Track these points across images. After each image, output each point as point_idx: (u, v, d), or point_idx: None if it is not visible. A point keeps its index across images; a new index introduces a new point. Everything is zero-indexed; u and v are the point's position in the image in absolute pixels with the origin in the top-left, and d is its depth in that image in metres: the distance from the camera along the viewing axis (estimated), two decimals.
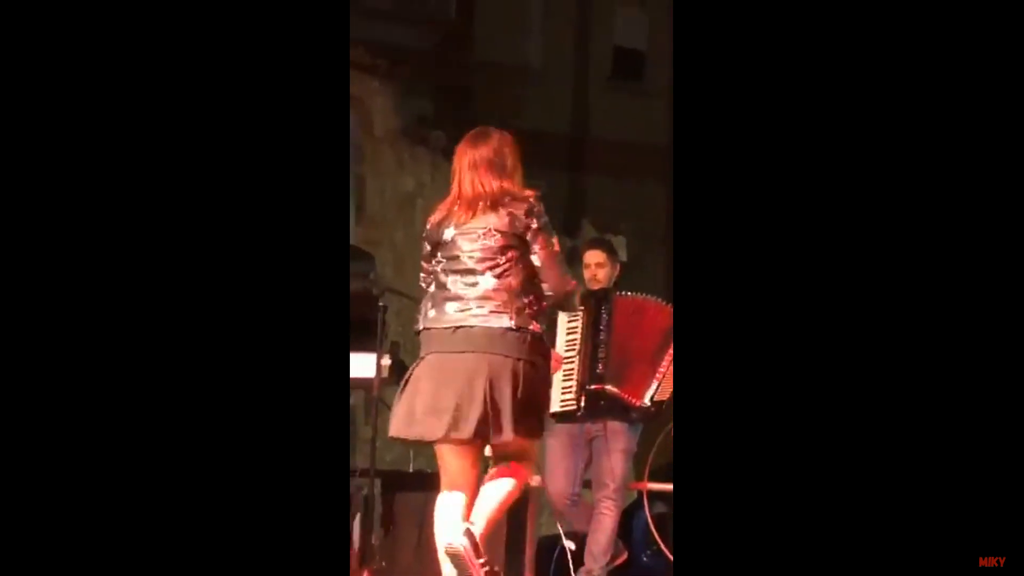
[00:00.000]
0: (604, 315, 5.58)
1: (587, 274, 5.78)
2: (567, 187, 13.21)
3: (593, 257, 5.80)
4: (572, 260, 5.86)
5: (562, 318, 5.70)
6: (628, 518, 5.52)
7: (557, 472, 5.50)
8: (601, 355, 5.55)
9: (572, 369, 5.57)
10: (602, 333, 5.57)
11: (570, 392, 5.52)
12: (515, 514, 5.71)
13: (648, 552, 5.21)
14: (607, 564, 5.58)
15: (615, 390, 5.38)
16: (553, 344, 5.63)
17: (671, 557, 4.57)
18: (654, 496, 5.92)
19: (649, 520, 5.50)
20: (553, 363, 5.41)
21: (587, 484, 5.87)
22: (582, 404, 5.49)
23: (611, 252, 5.84)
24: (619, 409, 5.32)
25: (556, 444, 5.54)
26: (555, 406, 5.53)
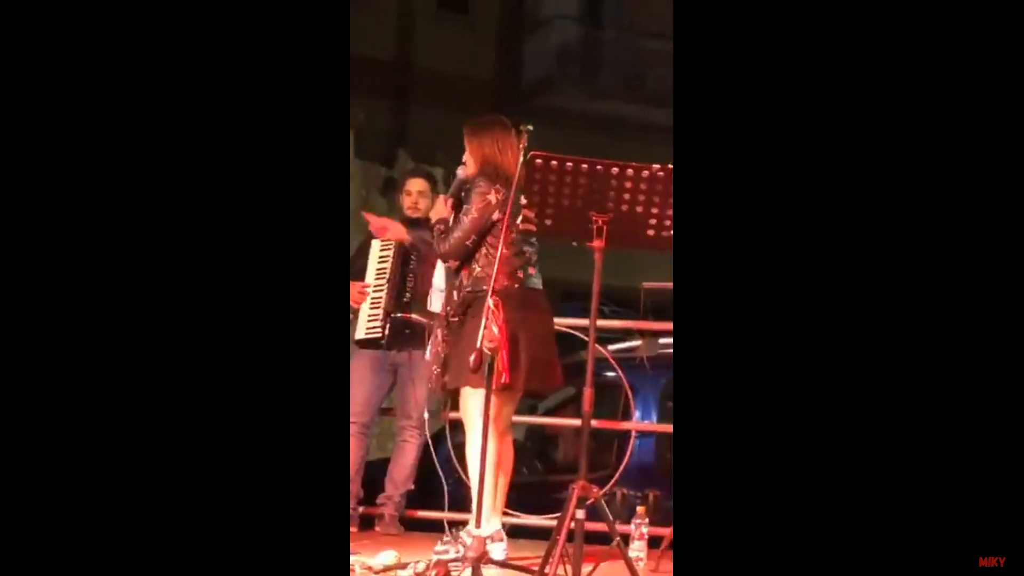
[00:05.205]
0: (418, 244, 5.61)
1: (408, 202, 5.80)
2: (387, 116, 13.10)
3: (415, 185, 5.82)
4: (388, 190, 5.84)
5: (375, 245, 5.71)
6: (435, 447, 5.60)
7: (355, 393, 5.52)
8: (409, 283, 5.59)
9: (380, 297, 5.60)
10: (412, 262, 5.61)
11: (376, 320, 5.55)
12: None
13: (451, 480, 5.30)
14: (404, 491, 5.68)
15: (420, 318, 5.42)
16: (364, 272, 5.66)
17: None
18: (457, 425, 6.00)
19: (451, 450, 5.59)
20: (357, 294, 5.50)
21: (388, 412, 5.93)
22: (386, 332, 5.54)
23: (433, 182, 5.88)
24: (424, 339, 5.38)
25: (359, 366, 5.60)
26: (360, 333, 5.57)
